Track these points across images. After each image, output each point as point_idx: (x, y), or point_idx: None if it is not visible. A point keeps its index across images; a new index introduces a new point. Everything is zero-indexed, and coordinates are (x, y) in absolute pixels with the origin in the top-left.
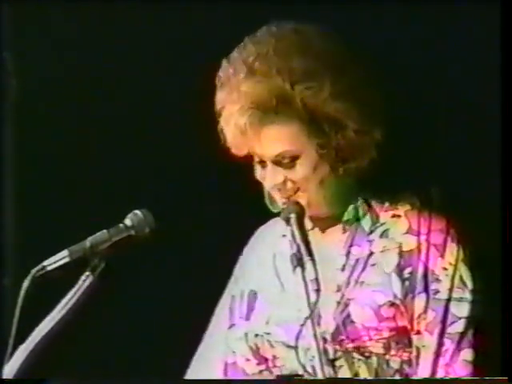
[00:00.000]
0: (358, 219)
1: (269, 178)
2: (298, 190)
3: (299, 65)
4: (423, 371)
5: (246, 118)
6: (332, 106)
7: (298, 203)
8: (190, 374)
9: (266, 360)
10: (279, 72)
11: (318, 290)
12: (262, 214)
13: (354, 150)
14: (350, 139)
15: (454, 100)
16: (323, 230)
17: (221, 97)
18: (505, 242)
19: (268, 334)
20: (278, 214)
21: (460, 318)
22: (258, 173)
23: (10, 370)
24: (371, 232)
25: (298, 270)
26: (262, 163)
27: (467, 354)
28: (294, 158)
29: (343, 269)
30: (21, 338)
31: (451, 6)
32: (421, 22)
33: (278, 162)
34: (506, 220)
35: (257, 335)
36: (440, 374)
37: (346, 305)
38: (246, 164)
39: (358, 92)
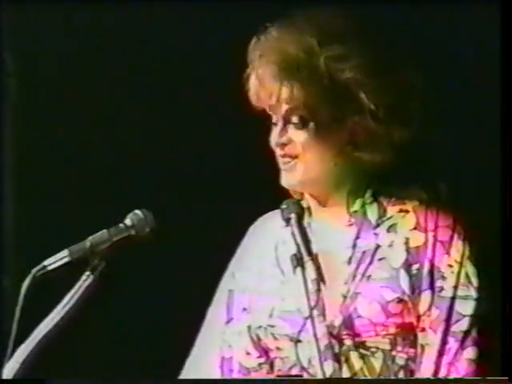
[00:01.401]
0: (364, 211)
1: (275, 134)
2: (298, 158)
3: (331, 27)
4: (426, 369)
5: (269, 68)
6: (353, 77)
7: (298, 203)
8: (187, 372)
9: (267, 352)
10: (310, 30)
11: (318, 290)
12: (261, 214)
13: (368, 140)
14: (366, 125)
15: (461, 96)
16: (328, 220)
17: (253, 46)
18: (510, 240)
19: (272, 326)
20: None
21: (464, 316)
22: (271, 136)
23: (10, 369)
24: (378, 225)
25: (299, 270)
26: (275, 124)
27: (471, 352)
28: (303, 120)
29: (349, 262)
30: (21, 338)
31: (451, 5)
32: (420, 21)
33: (287, 119)
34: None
35: (260, 327)
36: (443, 373)
37: (353, 299)
38: (245, 164)
39: (384, 76)
